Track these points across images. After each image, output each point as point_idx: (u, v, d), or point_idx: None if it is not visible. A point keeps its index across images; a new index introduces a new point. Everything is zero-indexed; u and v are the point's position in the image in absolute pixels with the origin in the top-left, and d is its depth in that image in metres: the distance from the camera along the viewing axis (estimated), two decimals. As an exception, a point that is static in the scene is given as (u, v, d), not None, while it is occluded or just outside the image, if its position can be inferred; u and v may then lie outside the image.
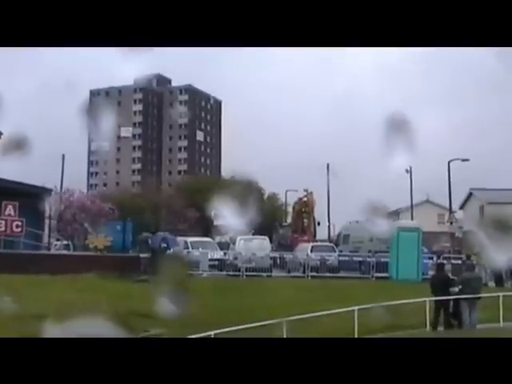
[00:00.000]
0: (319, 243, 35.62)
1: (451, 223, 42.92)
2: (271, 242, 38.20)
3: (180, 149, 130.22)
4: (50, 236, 35.85)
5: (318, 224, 43.61)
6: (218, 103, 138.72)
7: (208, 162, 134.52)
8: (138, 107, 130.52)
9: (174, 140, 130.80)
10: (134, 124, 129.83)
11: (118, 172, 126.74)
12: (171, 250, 30.41)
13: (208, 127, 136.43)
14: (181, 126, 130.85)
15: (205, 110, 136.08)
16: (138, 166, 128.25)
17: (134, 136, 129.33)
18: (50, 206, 37.08)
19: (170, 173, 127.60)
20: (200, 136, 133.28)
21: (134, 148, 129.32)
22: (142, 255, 28.50)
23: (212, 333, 11.07)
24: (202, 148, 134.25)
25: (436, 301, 15.72)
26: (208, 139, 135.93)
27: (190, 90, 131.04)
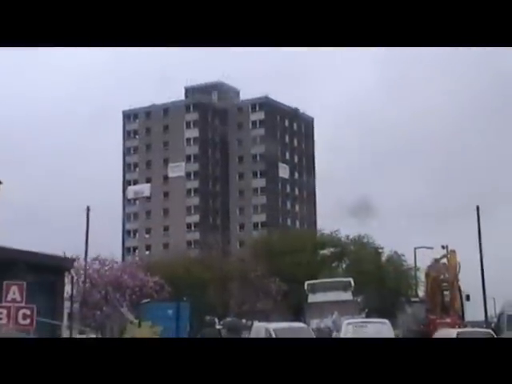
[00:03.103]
0: (469, 328, 34.66)
1: None
2: (395, 326, 37.54)
3: (255, 191, 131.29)
4: (71, 327, 36.80)
5: (467, 299, 42.64)
6: (310, 122, 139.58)
7: (297, 209, 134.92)
8: (193, 133, 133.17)
9: (246, 179, 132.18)
10: (188, 157, 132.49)
11: (166, 229, 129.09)
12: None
13: (295, 158, 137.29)
14: (255, 157, 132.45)
15: (290, 133, 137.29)
16: (196, 218, 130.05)
17: (188, 175, 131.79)
18: (71, 284, 38.20)
19: (241, 227, 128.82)
20: (284, 171, 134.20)
21: (189, 192, 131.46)
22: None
23: None
24: (288, 189, 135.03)
25: None
26: (296, 176, 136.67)
27: (267, 104, 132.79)
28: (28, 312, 22.81)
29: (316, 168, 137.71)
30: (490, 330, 34.88)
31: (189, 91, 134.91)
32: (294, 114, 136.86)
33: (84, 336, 38.54)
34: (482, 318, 52.34)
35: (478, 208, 54.86)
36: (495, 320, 42.70)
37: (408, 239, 72.42)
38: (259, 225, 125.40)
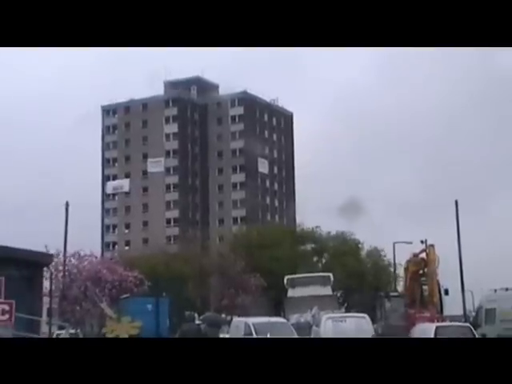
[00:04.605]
0: (448, 323, 34.90)
1: None
2: (374, 321, 37.73)
3: (235, 186, 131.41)
4: (50, 323, 36.71)
5: (446, 293, 42.86)
6: (289, 117, 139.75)
7: (276, 204, 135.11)
8: (172, 128, 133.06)
9: (225, 174, 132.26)
10: (167, 153, 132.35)
11: (145, 224, 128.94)
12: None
13: (275, 153, 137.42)
14: (235, 152, 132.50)
15: (269, 128, 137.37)
16: (175, 213, 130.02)
17: (167, 170, 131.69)
18: (50, 279, 38.10)
19: (221, 222, 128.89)
20: (263, 166, 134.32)
21: (169, 187, 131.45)
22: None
23: None
24: (267, 184, 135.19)
25: None
26: (275, 170, 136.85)
27: (246, 99, 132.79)
28: (7, 307, 22.85)
29: (295, 163, 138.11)
30: (468, 324, 35.19)
31: (168, 86, 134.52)
32: (273, 109, 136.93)
33: (63, 331, 38.47)
34: (460, 312, 52.65)
35: (456, 202, 55.12)
36: (473, 314, 43.04)
37: (387, 234, 72.77)
38: (239, 220, 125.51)
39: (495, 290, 37.00)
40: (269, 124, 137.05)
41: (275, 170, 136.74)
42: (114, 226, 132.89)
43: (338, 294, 52.28)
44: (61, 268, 44.04)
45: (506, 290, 34.92)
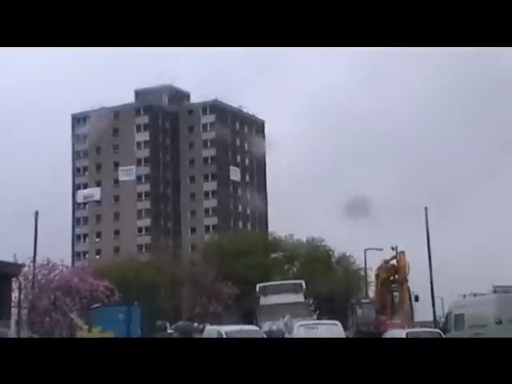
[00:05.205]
0: (418, 329, 35.14)
1: None
2: (345, 328, 37.89)
3: (207, 194, 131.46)
4: (19, 333, 36.46)
5: (416, 299, 43.18)
6: (260, 125, 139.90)
7: (248, 211, 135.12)
8: (144, 136, 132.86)
9: (197, 182, 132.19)
10: (139, 161, 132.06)
11: (116, 233, 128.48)
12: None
13: (246, 161, 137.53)
14: (206, 160, 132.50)
15: (241, 136, 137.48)
16: (147, 221, 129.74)
17: (138, 178, 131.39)
18: (19, 290, 37.84)
19: (193, 230, 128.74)
20: (235, 174, 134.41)
21: (140, 196, 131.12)
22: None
23: None
24: (239, 192, 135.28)
25: None
26: (247, 178, 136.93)
27: (217, 107, 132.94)
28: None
29: (267, 170, 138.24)
30: (438, 330, 35.46)
31: (139, 94, 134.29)
32: (244, 117, 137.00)
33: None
34: (430, 318, 53.03)
35: (426, 209, 55.57)
36: (443, 320, 43.30)
37: (358, 241, 72.98)
38: (211, 228, 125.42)
39: (464, 296, 37.25)
40: (240, 132, 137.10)
41: (247, 177, 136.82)
42: (85, 235, 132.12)
43: (311, 301, 52.33)
44: (30, 278, 43.81)
45: (475, 295, 35.18)
